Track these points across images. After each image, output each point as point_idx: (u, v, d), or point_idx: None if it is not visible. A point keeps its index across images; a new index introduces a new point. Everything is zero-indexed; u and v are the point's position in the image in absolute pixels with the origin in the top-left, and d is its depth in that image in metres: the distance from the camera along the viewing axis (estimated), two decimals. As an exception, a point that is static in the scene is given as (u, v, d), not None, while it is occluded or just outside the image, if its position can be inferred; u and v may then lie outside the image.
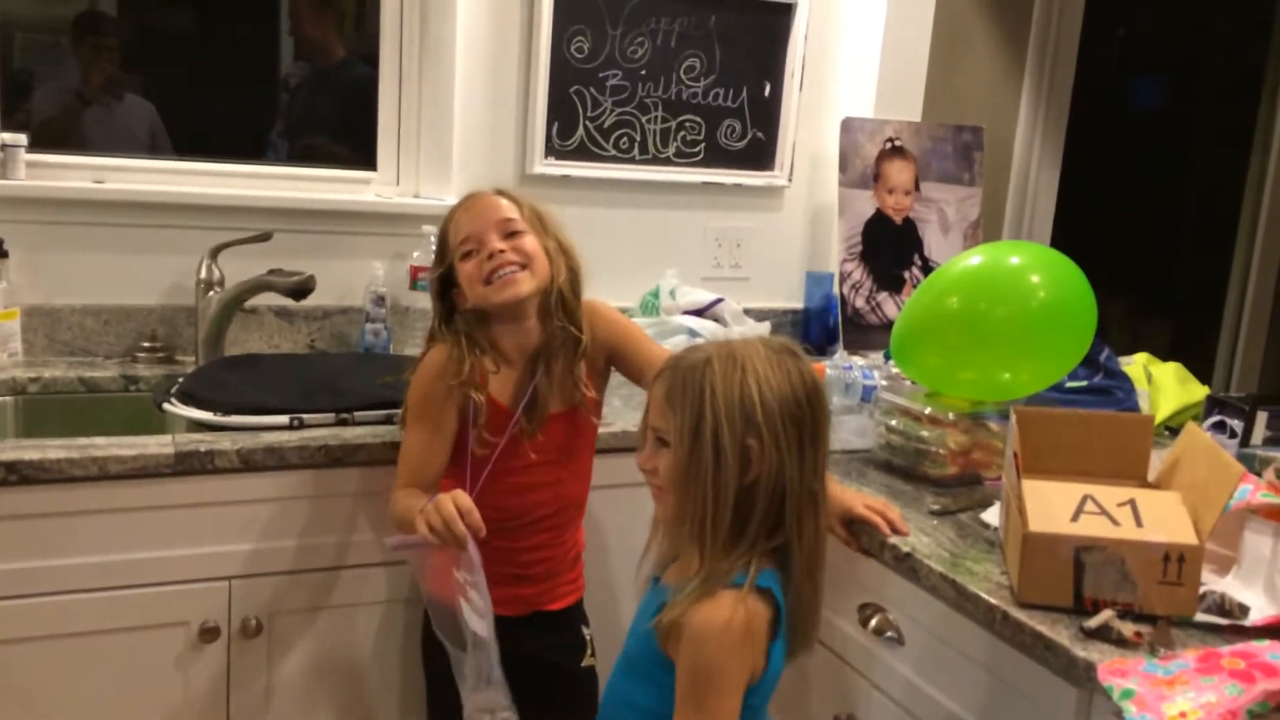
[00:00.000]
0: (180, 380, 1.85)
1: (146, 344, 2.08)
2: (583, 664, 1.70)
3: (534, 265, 1.53)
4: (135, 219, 2.08)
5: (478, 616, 1.44)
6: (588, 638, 1.72)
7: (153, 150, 2.30)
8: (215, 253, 2.06)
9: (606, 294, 2.41)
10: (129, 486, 1.58)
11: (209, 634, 1.64)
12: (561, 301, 1.57)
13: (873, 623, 1.52)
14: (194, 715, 1.68)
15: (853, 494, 1.57)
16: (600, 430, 1.71)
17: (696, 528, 1.20)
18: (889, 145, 2.51)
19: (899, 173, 2.51)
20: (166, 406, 1.77)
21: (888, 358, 1.93)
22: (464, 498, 1.40)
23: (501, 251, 1.51)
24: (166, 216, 2.09)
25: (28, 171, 2.01)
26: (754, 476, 1.17)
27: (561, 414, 1.59)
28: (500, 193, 1.58)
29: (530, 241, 1.54)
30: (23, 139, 2.00)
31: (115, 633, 1.61)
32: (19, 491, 1.53)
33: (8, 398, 1.91)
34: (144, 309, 2.10)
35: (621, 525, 1.83)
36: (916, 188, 2.53)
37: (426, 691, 1.72)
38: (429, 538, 1.38)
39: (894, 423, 1.79)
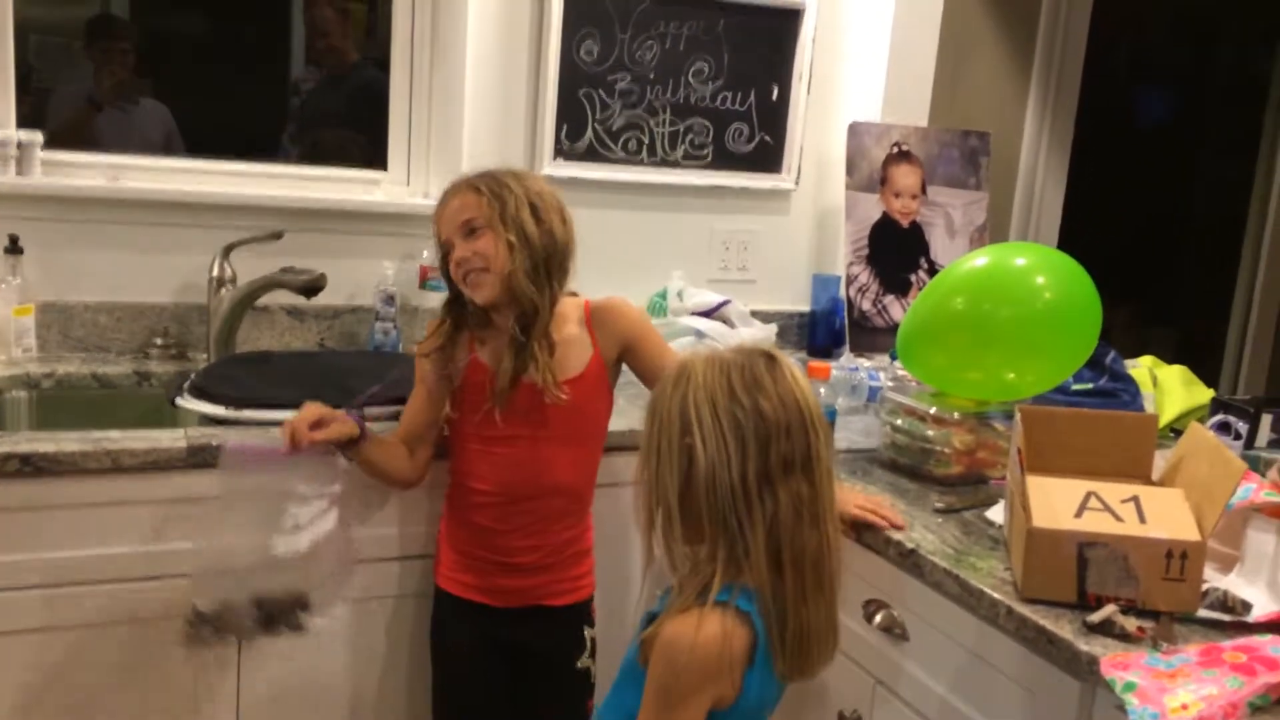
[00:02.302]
0: (192, 376, 1.87)
1: (159, 341, 2.11)
2: (578, 665, 1.71)
3: (493, 265, 1.57)
4: (149, 217, 2.10)
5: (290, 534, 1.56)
6: (588, 639, 1.73)
7: (168, 152, 2.32)
8: (227, 251, 2.08)
9: (614, 294, 2.46)
10: (142, 479, 1.59)
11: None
12: (515, 290, 1.57)
13: (877, 619, 1.53)
14: (205, 707, 1.69)
15: (846, 493, 1.58)
16: (613, 428, 1.74)
17: (650, 532, 1.22)
18: (896, 149, 2.52)
19: (905, 176, 2.53)
20: (179, 401, 1.79)
21: (894, 358, 1.95)
22: (320, 409, 1.57)
23: (466, 259, 1.58)
24: (180, 215, 2.11)
25: (43, 169, 2.03)
26: (694, 475, 1.17)
27: (531, 388, 1.60)
28: (471, 183, 1.60)
29: (487, 242, 1.56)
30: (39, 136, 2.02)
31: (128, 624, 1.62)
32: (33, 483, 1.54)
33: (22, 392, 1.93)
34: (157, 306, 2.12)
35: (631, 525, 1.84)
36: (923, 191, 2.55)
37: (433, 685, 1.74)
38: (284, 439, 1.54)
39: (899, 422, 1.80)
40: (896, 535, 1.50)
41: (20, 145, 2.00)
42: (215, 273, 2.08)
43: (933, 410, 1.76)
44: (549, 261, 1.59)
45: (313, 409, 1.57)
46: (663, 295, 2.44)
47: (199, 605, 1.57)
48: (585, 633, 1.73)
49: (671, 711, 1.14)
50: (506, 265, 1.56)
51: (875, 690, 1.55)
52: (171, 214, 2.11)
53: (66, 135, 2.15)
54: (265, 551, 1.55)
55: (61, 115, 2.24)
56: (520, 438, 1.62)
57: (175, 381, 1.89)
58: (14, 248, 1.97)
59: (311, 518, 1.58)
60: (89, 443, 1.57)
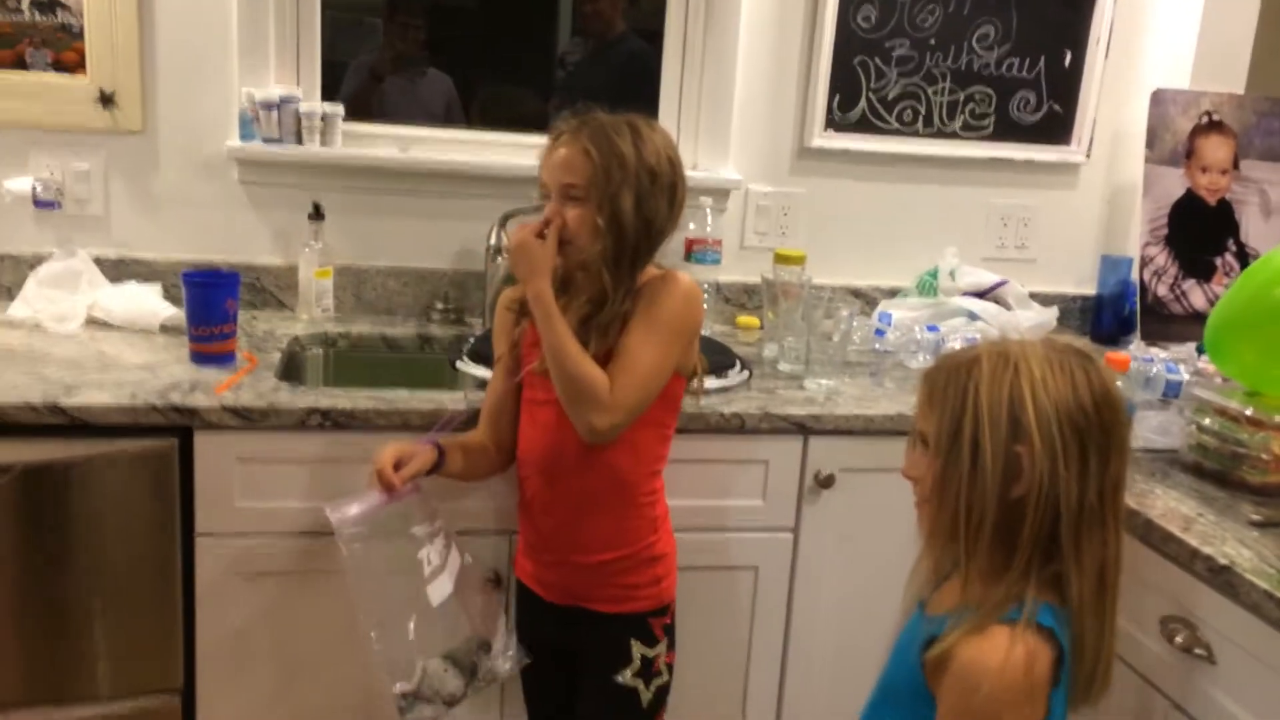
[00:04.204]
0: (471, 340, 1.95)
1: (439, 305, 2.21)
2: (616, 679, 1.53)
3: (574, 241, 1.44)
4: (434, 187, 2.20)
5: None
6: (637, 655, 1.53)
7: (448, 122, 2.42)
8: (504, 220, 2.15)
9: (882, 272, 2.39)
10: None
11: (489, 584, 1.72)
12: (590, 272, 1.46)
13: (1178, 638, 1.39)
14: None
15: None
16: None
17: (950, 544, 1.10)
18: (1206, 119, 2.28)
19: (1216, 149, 2.29)
20: (459, 365, 1.86)
21: (1200, 351, 1.77)
22: (396, 448, 1.51)
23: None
24: (461, 185, 2.20)
25: (343, 140, 2.16)
26: (1023, 489, 1.05)
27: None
28: (586, 142, 1.42)
29: (577, 216, 1.43)
30: (340, 109, 2.15)
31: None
32: (329, 435, 1.65)
33: (319, 349, 2.07)
34: (438, 272, 2.22)
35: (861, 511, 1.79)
36: (1235, 166, 2.30)
37: None
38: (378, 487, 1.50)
39: (1207, 422, 1.63)
40: (1206, 549, 1.36)
41: (324, 118, 2.13)
42: (492, 241, 2.15)
43: (1249, 411, 1.58)
44: (637, 250, 1.44)
45: (389, 450, 1.51)
46: (933, 274, 2.33)
47: (401, 689, 1.51)
48: (633, 647, 1.53)
49: None
50: (588, 248, 1.44)
51: (1171, 715, 1.41)
52: (454, 184, 2.20)
53: (358, 106, 2.28)
54: (426, 608, 1.51)
55: (353, 87, 2.37)
56: (549, 402, 1.49)
57: (455, 345, 1.97)
58: (317, 214, 2.11)
59: (441, 556, 1.54)
60: (382, 401, 1.66)
